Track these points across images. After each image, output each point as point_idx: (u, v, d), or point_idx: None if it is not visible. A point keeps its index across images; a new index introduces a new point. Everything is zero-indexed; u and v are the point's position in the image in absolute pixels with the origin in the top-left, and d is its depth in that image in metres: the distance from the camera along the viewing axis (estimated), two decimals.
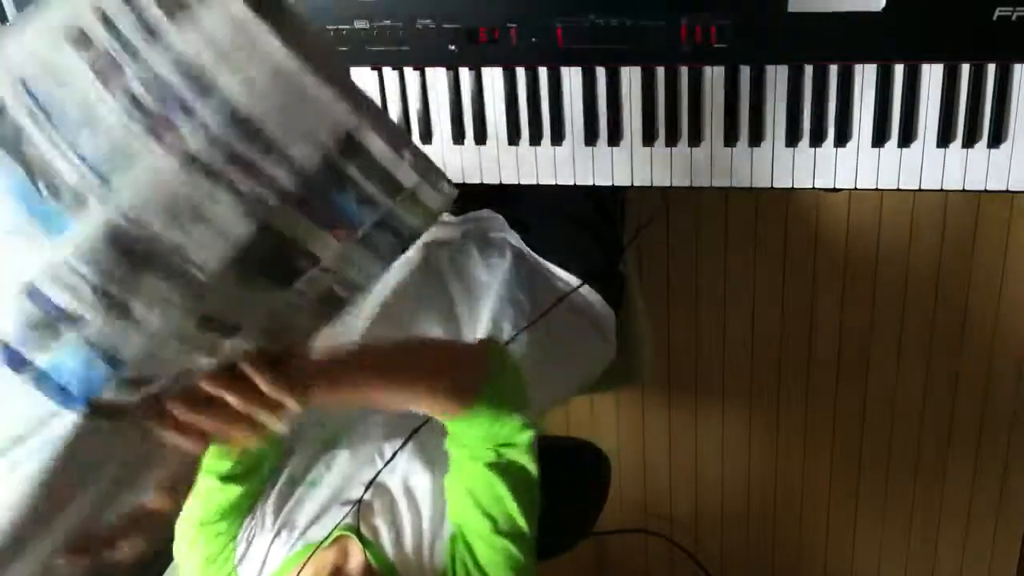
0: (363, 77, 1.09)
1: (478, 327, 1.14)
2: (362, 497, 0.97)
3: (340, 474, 1.01)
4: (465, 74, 1.06)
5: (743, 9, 0.97)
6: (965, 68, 0.97)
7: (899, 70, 0.98)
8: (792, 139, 1.03)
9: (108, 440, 0.57)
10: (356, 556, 0.93)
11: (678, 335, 1.86)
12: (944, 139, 1.00)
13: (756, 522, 2.03)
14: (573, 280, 1.25)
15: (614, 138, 1.06)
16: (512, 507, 0.91)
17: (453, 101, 1.08)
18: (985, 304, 1.72)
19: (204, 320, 0.56)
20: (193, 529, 0.99)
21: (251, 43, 0.46)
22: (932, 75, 0.98)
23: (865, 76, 0.99)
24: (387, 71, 1.08)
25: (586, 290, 1.25)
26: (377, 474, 0.99)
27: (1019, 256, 1.67)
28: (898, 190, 1.03)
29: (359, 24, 1.03)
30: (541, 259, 1.26)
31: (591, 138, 1.07)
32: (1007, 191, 1.01)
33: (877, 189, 1.04)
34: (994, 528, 1.92)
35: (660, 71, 1.03)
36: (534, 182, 1.10)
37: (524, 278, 1.23)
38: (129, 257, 0.48)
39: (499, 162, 1.10)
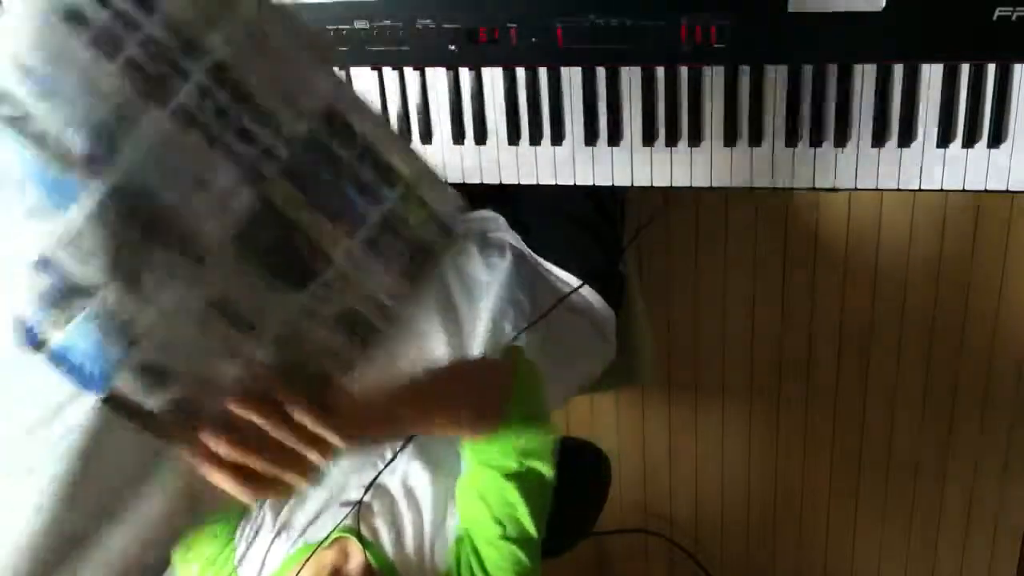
0: (363, 77, 1.09)
1: (478, 327, 1.14)
2: (362, 498, 0.97)
3: (340, 475, 1.01)
4: (465, 74, 1.06)
5: (743, 9, 0.97)
6: (965, 68, 0.97)
7: (899, 70, 0.98)
8: (792, 139, 1.03)
9: (134, 448, 0.56)
10: (356, 556, 0.93)
11: (678, 335, 1.86)
12: (944, 139, 1.00)
13: (756, 522, 2.03)
14: (573, 280, 1.25)
15: (614, 138, 1.06)
16: (523, 514, 0.91)
17: (453, 101, 1.08)
18: (985, 304, 1.72)
19: (215, 305, 0.56)
20: None
21: (230, 4, 0.49)
22: (932, 75, 0.98)
23: (865, 76, 0.99)
24: (387, 71, 1.08)
25: (586, 290, 1.25)
26: (377, 475, 0.99)
27: (1019, 256, 1.67)
28: (898, 190, 1.03)
29: (359, 24, 1.03)
30: (541, 259, 1.26)
31: (591, 138, 1.07)
32: (1007, 191, 1.01)
33: (877, 189, 1.04)
34: (994, 528, 1.92)
35: (660, 71, 1.03)
36: (534, 182, 1.10)
37: (524, 278, 1.23)
38: (136, 223, 0.49)
39: (499, 162, 1.10)
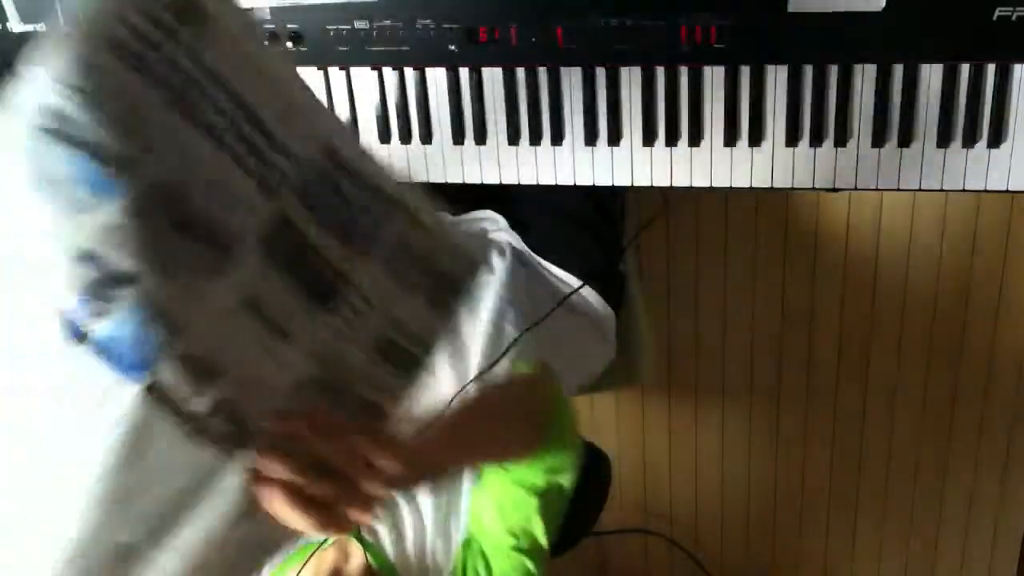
0: (363, 77, 1.09)
1: (478, 327, 1.14)
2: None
3: None
4: (465, 74, 1.06)
5: (743, 9, 0.97)
6: (965, 68, 0.97)
7: (899, 70, 0.98)
8: (792, 139, 1.03)
9: (183, 454, 0.55)
10: (356, 557, 0.93)
11: (678, 335, 1.86)
12: (944, 139, 1.00)
13: (756, 522, 2.03)
14: (573, 280, 1.25)
15: (614, 138, 1.06)
16: (538, 527, 0.90)
17: (453, 101, 1.08)
18: (985, 304, 1.72)
19: (246, 304, 0.57)
20: None
21: (244, 53, 0.56)
22: (932, 75, 0.98)
23: (865, 76, 0.99)
24: (387, 71, 1.08)
25: (586, 290, 1.25)
26: None
27: (1019, 256, 1.67)
28: (898, 190, 1.03)
29: (359, 24, 1.03)
30: (541, 259, 1.26)
31: (591, 138, 1.07)
32: (1007, 191, 1.01)
33: (877, 189, 1.04)
34: (994, 528, 1.92)
35: (660, 71, 1.03)
36: (534, 182, 1.10)
37: (524, 278, 1.23)
38: (172, 217, 0.53)
39: (499, 162, 1.10)
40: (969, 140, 0.99)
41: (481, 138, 1.09)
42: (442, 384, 1.01)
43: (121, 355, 0.52)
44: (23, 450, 0.55)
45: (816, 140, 1.02)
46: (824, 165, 1.03)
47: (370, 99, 1.10)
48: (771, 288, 1.78)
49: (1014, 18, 0.92)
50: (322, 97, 1.10)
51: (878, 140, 1.01)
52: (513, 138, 1.08)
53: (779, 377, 1.87)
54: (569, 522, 1.29)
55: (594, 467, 1.35)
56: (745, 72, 1.01)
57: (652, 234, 1.60)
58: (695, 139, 1.05)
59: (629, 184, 1.08)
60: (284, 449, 0.59)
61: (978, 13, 0.93)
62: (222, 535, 0.59)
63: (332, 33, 1.04)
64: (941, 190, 1.02)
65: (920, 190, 1.03)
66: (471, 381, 1.01)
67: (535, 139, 1.08)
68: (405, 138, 1.10)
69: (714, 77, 1.02)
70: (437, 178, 1.12)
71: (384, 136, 1.11)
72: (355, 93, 1.10)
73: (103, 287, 0.51)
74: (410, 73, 1.07)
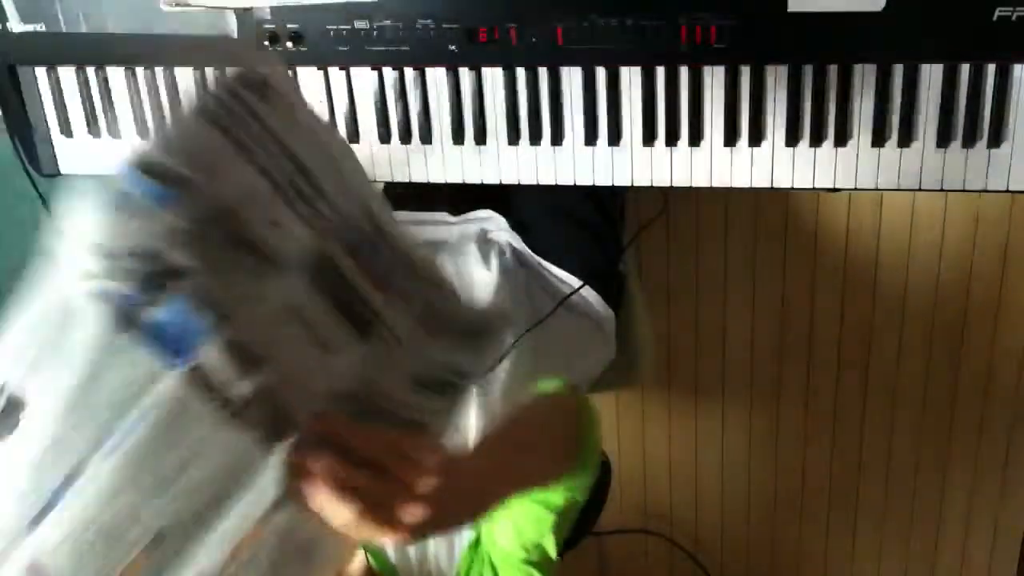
0: (363, 77, 1.09)
1: None
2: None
3: None
4: (465, 74, 1.06)
5: (743, 9, 0.97)
6: (965, 68, 0.97)
7: (899, 70, 0.98)
8: (792, 139, 1.03)
9: (222, 438, 0.56)
10: (357, 558, 0.93)
11: (678, 335, 1.86)
12: (944, 139, 1.00)
13: (756, 522, 2.03)
14: (573, 280, 1.25)
15: (614, 138, 1.06)
16: (550, 542, 0.89)
17: (453, 101, 1.08)
18: (985, 304, 1.72)
19: (292, 311, 0.61)
20: None
21: (298, 120, 0.64)
22: (932, 75, 0.98)
23: (865, 76, 0.99)
24: (387, 71, 1.08)
25: (586, 290, 1.25)
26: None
27: (1019, 256, 1.67)
28: (898, 190, 1.03)
29: (359, 24, 1.03)
30: (541, 259, 1.26)
31: (591, 138, 1.07)
32: (1007, 191, 1.01)
33: (877, 189, 1.04)
34: (994, 528, 1.92)
35: (660, 71, 1.03)
36: (534, 182, 1.10)
37: (524, 279, 1.23)
38: (228, 232, 0.58)
39: (499, 162, 1.10)
40: (969, 140, 0.99)
41: (481, 138, 1.09)
42: None
43: (167, 340, 0.55)
44: (65, 426, 0.56)
45: (816, 140, 1.02)
46: (824, 165, 1.03)
47: (370, 99, 1.10)
48: (771, 288, 1.78)
49: (1014, 18, 0.92)
50: (322, 97, 1.10)
51: (878, 140, 1.01)
52: (513, 138, 1.08)
53: (779, 377, 1.87)
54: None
55: None
56: (745, 72, 1.01)
57: (652, 234, 1.60)
58: (695, 139, 1.05)
59: (629, 184, 1.08)
60: (326, 441, 0.58)
61: (978, 13, 0.93)
62: (259, 527, 0.59)
63: (332, 33, 1.04)
64: (941, 190, 1.02)
65: (920, 190, 1.03)
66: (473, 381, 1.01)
67: (535, 139, 1.08)
68: (405, 138, 1.10)
69: (714, 77, 1.02)
70: (437, 178, 1.12)
71: (384, 136, 1.11)
72: (355, 93, 1.10)
73: (154, 278, 0.55)
74: (410, 73, 1.07)
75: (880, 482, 1.92)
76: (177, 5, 1.05)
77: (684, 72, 1.02)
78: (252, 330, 0.58)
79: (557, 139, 1.07)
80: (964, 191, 1.02)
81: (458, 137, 1.09)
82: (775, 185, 1.05)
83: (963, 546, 1.96)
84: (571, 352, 1.22)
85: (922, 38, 0.96)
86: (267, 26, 1.05)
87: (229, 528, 0.59)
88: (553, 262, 1.26)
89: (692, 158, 1.06)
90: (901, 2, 0.93)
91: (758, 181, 1.05)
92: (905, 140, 1.01)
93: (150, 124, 1.15)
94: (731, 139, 1.04)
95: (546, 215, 1.28)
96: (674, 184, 1.07)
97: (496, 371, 1.06)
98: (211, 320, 0.55)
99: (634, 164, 1.07)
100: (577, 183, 1.09)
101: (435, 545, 0.96)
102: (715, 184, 1.06)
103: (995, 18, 0.93)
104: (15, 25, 1.10)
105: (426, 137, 1.10)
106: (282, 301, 0.60)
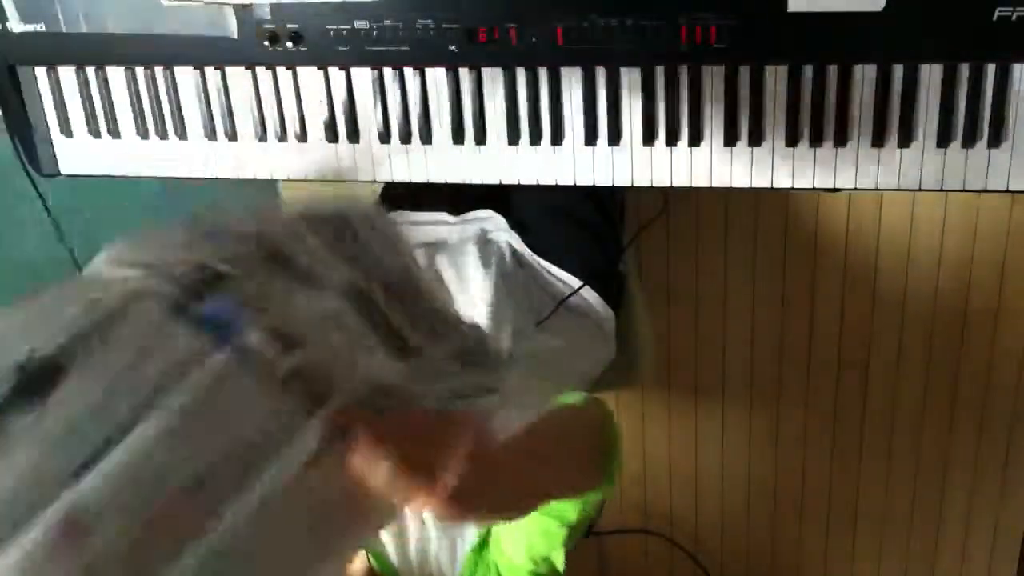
0: (363, 77, 1.09)
1: None
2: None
3: None
4: (465, 74, 1.06)
5: (743, 9, 0.97)
6: (965, 68, 0.97)
7: (899, 70, 0.98)
8: (792, 139, 1.03)
9: (263, 402, 0.58)
10: (359, 560, 0.93)
11: (678, 335, 1.86)
12: (944, 139, 1.00)
13: (756, 522, 2.03)
14: (573, 281, 1.25)
15: (614, 138, 1.06)
16: (559, 557, 0.88)
17: (453, 101, 1.08)
18: (985, 304, 1.72)
19: (330, 315, 0.64)
20: None
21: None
22: (932, 75, 0.98)
23: (865, 76, 0.99)
24: (387, 71, 1.08)
25: (586, 290, 1.25)
26: None
27: (1019, 256, 1.67)
28: (898, 190, 1.03)
29: (359, 24, 1.03)
30: (541, 260, 1.27)
31: (591, 138, 1.07)
32: (1007, 191, 1.01)
33: (877, 189, 1.04)
34: (994, 528, 1.92)
35: (660, 71, 1.03)
36: (534, 182, 1.10)
37: (524, 279, 1.23)
38: (267, 250, 0.63)
39: (499, 162, 1.10)
40: (969, 140, 0.99)
41: (481, 138, 1.09)
42: None
43: (214, 327, 0.58)
44: (109, 392, 0.57)
45: (816, 140, 1.02)
46: (824, 165, 1.03)
47: (370, 99, 1.10)
48: (771, 288, 1.78)
49: (1014, 18, 0.92)
50: (322, 97, 1.10)
51: (878, 140, 1.01)
52: (513, 138, 1.08)
53: (779, 377, 1.87)
54: None
55: None
56: (745, 72, 1.01)
57: (652, 234, 1.60)
58: (695, 139, 1.05)
59: (629, 184, 1.08)
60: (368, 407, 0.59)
61: (978, 13, 0.93)
62: (297, 484, 0.60)
63: (332, 33, 1.04)
64: (941, 190, 1.02)
65: (920, 190, 1.03)
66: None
67: (535, 139, 1.08)
68: (405, 138, 1.10)
69: (714, 77, 1.02)
70: (437, 178, 1.12)
71: (384, 136, 1.11)
72: (355, 93, 1.10)
73: (206, 279, 0.59)
74: (410, 73, 1.07)
75: (880, 482, 1.92)
76: (176, 0, 1.05)
77: (684, 72, 1.02)
78: (292, 323, 0.61)
79: (557, 139, 1.07)
80: (964, 191, 1.01)
81: (458, 137, 1.09)
82: (775, 185, 1.05)
83: (963, 546, 1.96)
84: (571, 352, 1.22)
85: (922, 38, 0.96)
86: (267, 25, 1.05)
87: (267, 481, 0.59)
88: (553, 262, 1.26)
89: (692, 158, 1.06)
90: (901, 2, 0.93)
91: (758, 181, 1.05)
92: (905, 140, 1.01)
93: (150, 124, 1.15)
94: (731, 139, 1.04)
95: (546, 215, 1.28)
96: (674, 184, 1.07)
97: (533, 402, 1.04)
98: (252, 312, 0.60)
99: (634, 164, 1.07)
100: (577, 183, 1.09)
101: (437, 547, 0.96)
102: (715, 184, 1.06)
103: (995, 18, 0.93)
104: (15, 25, 1.10)
105: (426, 137, 1.10)
106: (321, 311, 0.63)
